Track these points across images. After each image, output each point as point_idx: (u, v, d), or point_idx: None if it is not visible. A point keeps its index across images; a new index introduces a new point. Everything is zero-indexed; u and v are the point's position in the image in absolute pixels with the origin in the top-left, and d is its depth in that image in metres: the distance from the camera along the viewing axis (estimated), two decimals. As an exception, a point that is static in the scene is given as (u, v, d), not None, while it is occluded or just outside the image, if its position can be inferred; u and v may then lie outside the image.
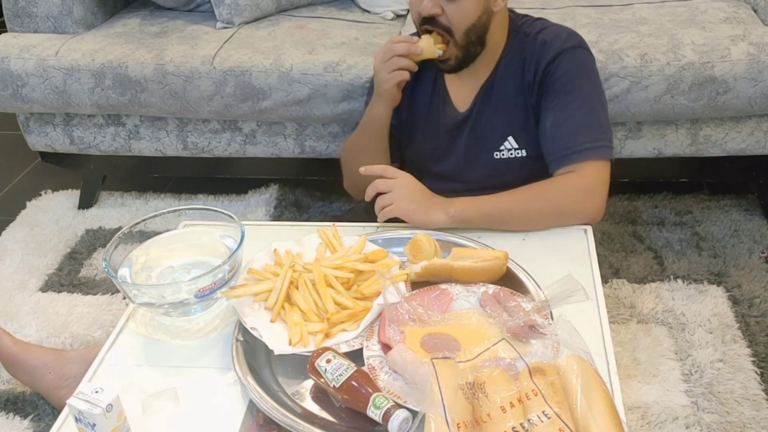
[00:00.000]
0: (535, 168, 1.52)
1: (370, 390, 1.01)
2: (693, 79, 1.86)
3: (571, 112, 1.43)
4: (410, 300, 1.16)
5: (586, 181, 1.39)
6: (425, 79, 1.61)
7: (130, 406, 1.07)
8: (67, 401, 0.99)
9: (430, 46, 1.46)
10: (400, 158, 1.70)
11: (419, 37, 1.50)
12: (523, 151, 1.54)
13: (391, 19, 2.33)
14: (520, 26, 1.54)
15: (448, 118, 1.59)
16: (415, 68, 1.50)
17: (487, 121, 1.56)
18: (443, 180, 1.61)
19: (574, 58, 1.45)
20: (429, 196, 1.41)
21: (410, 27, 2.19)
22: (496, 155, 1.55)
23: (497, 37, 1.51)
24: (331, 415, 1.06)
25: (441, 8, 1.43)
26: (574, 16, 2.10)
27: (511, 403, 0.95)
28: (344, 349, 1.12)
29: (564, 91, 1.44)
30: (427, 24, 1.46)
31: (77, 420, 0.99)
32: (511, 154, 1.54)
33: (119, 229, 1.53)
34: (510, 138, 1.54)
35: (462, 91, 1.58)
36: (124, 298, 1.96)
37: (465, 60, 1.49)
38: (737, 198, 2.25)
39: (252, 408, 1.08)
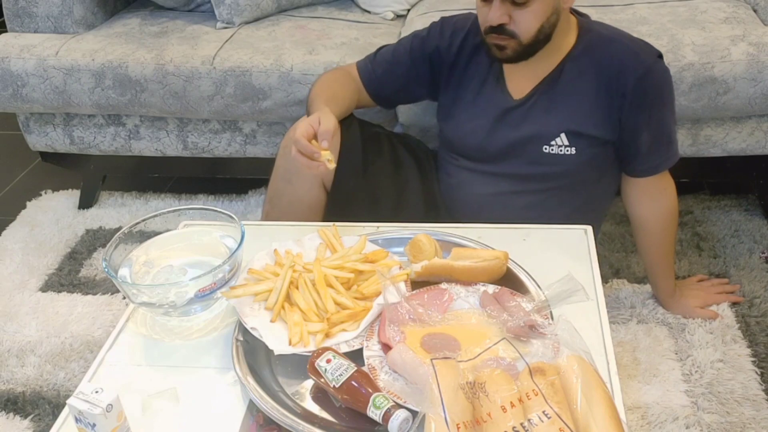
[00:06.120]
0: (579, 166, 1.57)
1: (370, 390, 1.01)
2: (693, 80, 1.86)
3: (661, 129, 1.57)
4: (410, 300, 1.16)
5: (669, 184, 1.67)
6: (481, 59, 1.62)
7: (130, 406, 1.07)
8: (68, 401, 0.99)
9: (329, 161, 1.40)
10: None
11: None
12: (573, 149, 1.55)
13: (391, 19, 2.32)
14: (591, 25, 1.57)
15: (499, 103, 1.60)
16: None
17: (541, 114, 1.56)
18: (480, 162, 1.63)
19: (662, 73, 1.54)
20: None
21: (410, 27, 2.19)
22: (545, 149, 1.57)
23: (563, 32, 1.52)
24: (331, 415, 1.06)
25: (509, 16, 1.44)
26: (574, 16, 2.09)
27: (511, 402, 0.95)
28: (344, 349, 1.12)
29: (657, 106, 1.54)
30: (494, 32, 1.47)
31: (77, 420, 0.99)
32: (561, 150, 1.56)
33: (119, 229, 1.53)
34: (563, 134, 1.55)
35: (520, 79, 1.58)
36: (124, 297, 1.96)
37: (524, 54, 1.50)
38: (737, 198, 2.25)
39: (252, 408, 1.08)
